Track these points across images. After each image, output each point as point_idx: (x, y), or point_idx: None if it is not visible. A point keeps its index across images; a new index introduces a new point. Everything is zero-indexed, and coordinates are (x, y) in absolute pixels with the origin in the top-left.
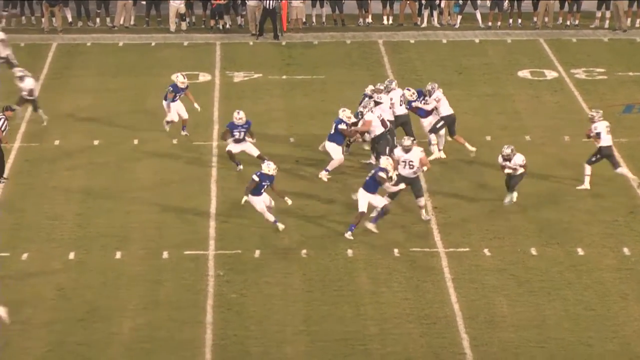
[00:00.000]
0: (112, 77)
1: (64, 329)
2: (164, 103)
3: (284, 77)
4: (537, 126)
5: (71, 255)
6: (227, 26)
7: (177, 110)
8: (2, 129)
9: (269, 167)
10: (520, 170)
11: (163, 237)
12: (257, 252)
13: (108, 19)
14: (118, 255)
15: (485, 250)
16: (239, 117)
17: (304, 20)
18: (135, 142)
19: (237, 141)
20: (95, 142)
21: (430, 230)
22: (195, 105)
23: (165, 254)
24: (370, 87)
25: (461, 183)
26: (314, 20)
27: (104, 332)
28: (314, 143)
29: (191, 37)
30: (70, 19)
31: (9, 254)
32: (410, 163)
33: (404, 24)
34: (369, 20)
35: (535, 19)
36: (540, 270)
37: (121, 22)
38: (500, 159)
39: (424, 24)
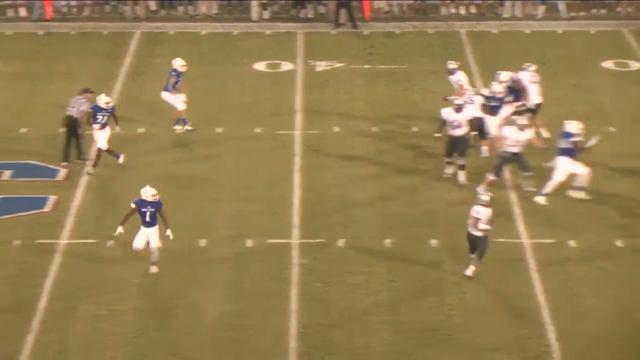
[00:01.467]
0: (194, 65)
1: (149, 316)
2: (166, 95)
3: (366, 66)
4: (621, 117)
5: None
6: (309, 15)
7: (177, 97)
8: (83, 110)
9: (146, 193)
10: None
11: (247, 225)
12: (341, 242)
13: (191, 8)
14: (202, 243)
15: (571, 242)
16: (106, 100)
17: (386, 9)
18: (219, 130)
19: (102, 127)
20: (178, 130)
21: (515, 221)
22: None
23: (249, 242)
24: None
25: (546, 173)
26: (396, 10)
27: (188, 319)
28: (395, 133)
29: (273, 26)
30: (153, 7)
31: (95, 241)
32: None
33: (486, 14)
34: (452, 9)
35: (619, 8)
36: (626, 261)
37: (204, 10)
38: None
39: (507, 14)
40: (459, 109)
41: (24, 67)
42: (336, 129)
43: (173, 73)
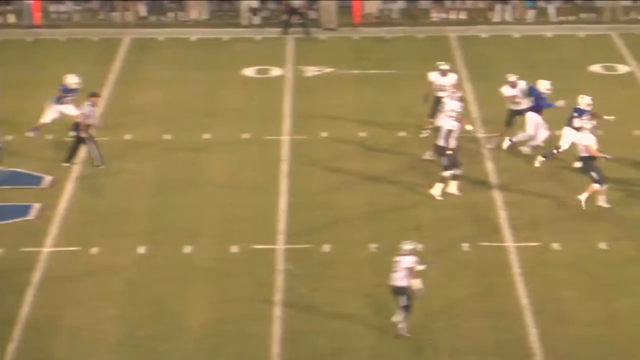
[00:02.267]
0: (184, 71)
1: (134, 323)
2: (54, 108)
3: (356, 71)
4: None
5: (141, 250)
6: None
7: (60, 111)
8: (88, 114)
9: None
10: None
11: (233, 231)
12: (327, 247)
13: (181, 13)
14: (188, 249)
15: (555, 245)
16: (75, 81)
17: (376, 14)
18: (207, 136)
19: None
20: (167, 137)
21: (500, 225)
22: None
23: (234, 248)
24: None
25: (531, 177)
26: (386, 15)
27: (173, 325)
28: (385, 137)
29: (263, 31)
30: (143, 13)
31: (79, 249)
32: None
33: (475, 19)
34: (442, 14)
35: (607, 13)
36: (610, 264)
37: (194, 16)
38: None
39: (497, 19)
40: (444, 73)
41: (13, 73)
42: (324, 134)
43: (60, 88)
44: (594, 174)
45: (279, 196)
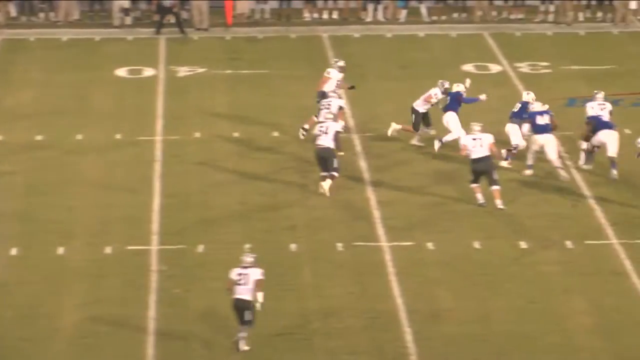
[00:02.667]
0: (55, 72)
1: (6, 325)
2: None
3: (229, 71)
4: (481, 120)
5: (13, 251)
6: (172, 21)
7: None
8: None
9: None
10: None
11: (106, 232)
12: (201, 247)
13: (52, 14)
14: (60, 250)
15: (429, 244)
16: None
17: (248, 15)
18: (79, 137)
19: None
20: (39, 138)
21: (374, 225)
22: None
23: (108, 249)
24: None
25: (405, 176)
26: (258, 15)
27: (46, 327)
28: (258, 137)
29: (135, 31)
30: (14, 14)
31: None
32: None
33: (348, 19)
34: (314, 14)
35: (480, 12)
36: (484, 263)
37: (64, 17)
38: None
39: (369, 19)
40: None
41: None
42: (197, 134)
43: None
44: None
45: (153, 197)
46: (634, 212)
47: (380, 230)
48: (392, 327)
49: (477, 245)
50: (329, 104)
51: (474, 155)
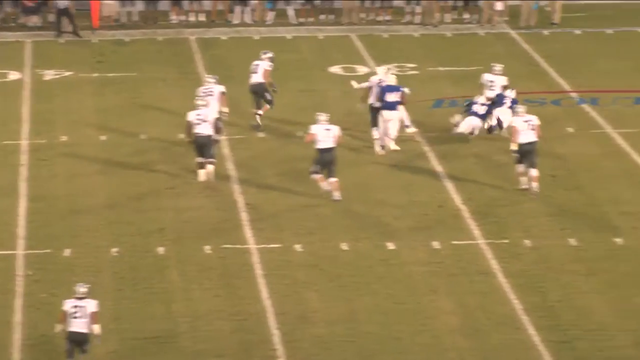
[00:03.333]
0: None
1: None
2: None
3: (95, 74)
4: (349, 121)
5: None
6: (39, 24)
7: None
8: None
9: None
10: None
11: None
12: (67, 251)
13: None
14: None
15: (297, 246)
16: None
17: (115, 17)
18: None
19: None
20: None
21: (242, 227)
22: None
23: None
24: None
25: (273, 178)
26: (126, 18)
27: None
28: (125, 140)
29: (0, 35)
30: None
31: None
32: None
33: (215, 21)
34: (182, 17)
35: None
36: (351, 265)
37: None
38: None
39: (236, 21)
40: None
41: None
42: (64, 138)
43: None
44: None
45: (19, 201)
46: (501, 212)
47: (248, 233)
48: (261, 330)
49: (344, 246)
50: (210, 91)
51: (321, 146)
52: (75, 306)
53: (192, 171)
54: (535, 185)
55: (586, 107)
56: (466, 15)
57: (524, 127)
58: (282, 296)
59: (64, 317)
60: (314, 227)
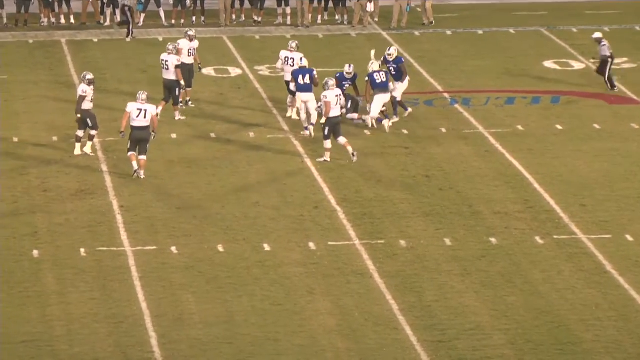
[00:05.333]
0: None
1: None
2: None
3: None
4: (222, 122)
5: None
6: None
7: None
8: None
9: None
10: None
11: None
12: None
13: None
14: None
15: (173, 248)
16: None
17: None
18: None
19: None
20: None
21: (117, 230)
22: None
23: None
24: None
25: (147, 180)
26: None
27: None
28: None
29: None
30: None
31: None
32: None
33: (86, 23)
34: (52, 19)
35: (224, 17)
36: (228, 266)
37: None
38: None
39: (107, 23)
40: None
41: None
42: None
43: None
44: None
45: None
46: (376, 212)
47: (124, 235)
48: (137, 332)
49: (220, 248)
50: (166, 62)
51: (136, 124)
52: None
53: (66, 173)
54: (352, 150)
55: (459, 108)
56: (337, 17)
57: (335, 101)
58: (159, 299)
59: None
60: (190, 229)
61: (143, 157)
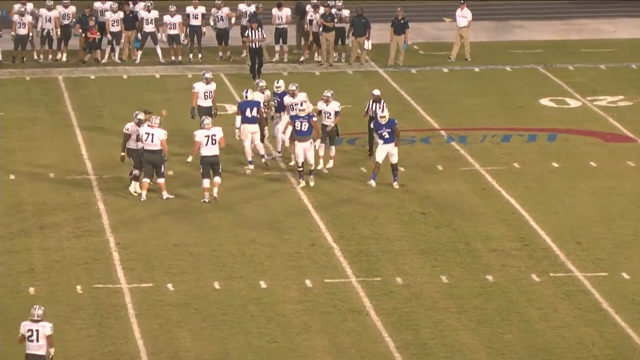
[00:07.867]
0: None
1: None
2: None
3: None
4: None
5: None
6: None
7: None
8: None
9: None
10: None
11: None
12: None
13: None
14: None
15: (169, 285)
16: None
17: None
18: None
19: None
20: None
21: (113, 267)
22: None
23: None
24: None
25: (145, 217)
26: None
27: None
28: None
29: None
30: None
31: None
32: None
33: (83, 60)
34: (49, 56)
35: (220, 53)
36: (224, 303)
37: None
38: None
39: (104, 60)
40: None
41: None
42: None
43: None
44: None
45: None
46: (372, 250)
47: (120, 272)
48: None
49: (217, 285)
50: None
51: (148, 147)
52: (32, 330)
53: (62, 210)
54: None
55: (455, 145)
56: (335, 54)
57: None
58: (155, 336)
59: (22, 340)
60: (186, 266)
61: (161, 180)
